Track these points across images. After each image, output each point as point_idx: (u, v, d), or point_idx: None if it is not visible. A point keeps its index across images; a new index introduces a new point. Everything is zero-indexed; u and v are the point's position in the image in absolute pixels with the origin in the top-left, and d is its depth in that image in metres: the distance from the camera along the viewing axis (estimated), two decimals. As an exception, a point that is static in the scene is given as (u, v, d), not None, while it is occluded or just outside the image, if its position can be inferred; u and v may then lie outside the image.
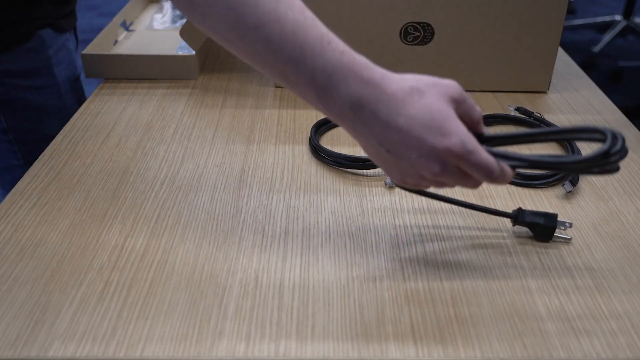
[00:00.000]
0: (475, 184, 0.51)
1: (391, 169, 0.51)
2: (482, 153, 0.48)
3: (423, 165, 0.48)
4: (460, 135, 0.47)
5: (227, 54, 1.03)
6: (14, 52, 0.85)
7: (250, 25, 0.48)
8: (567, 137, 0.51)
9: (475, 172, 0.48)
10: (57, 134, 0.78)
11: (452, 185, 0.51)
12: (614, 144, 0.48)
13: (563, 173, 0.67)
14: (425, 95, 0.48)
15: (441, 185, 0.51)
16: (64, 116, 0.91)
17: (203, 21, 0.51)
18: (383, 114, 0.47)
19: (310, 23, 0.48)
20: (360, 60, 0.48)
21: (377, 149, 0.50)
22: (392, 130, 0.47)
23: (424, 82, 0.49)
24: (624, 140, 0.49)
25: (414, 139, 0.47)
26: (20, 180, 0.68)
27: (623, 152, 0.48)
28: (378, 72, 0.48)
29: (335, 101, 0.48)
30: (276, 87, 0.91)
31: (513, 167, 0.50)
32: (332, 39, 0.49)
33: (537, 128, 0.53)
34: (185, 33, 0.91)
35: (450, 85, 0.49)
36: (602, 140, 0.49)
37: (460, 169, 0.49)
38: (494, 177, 0.49)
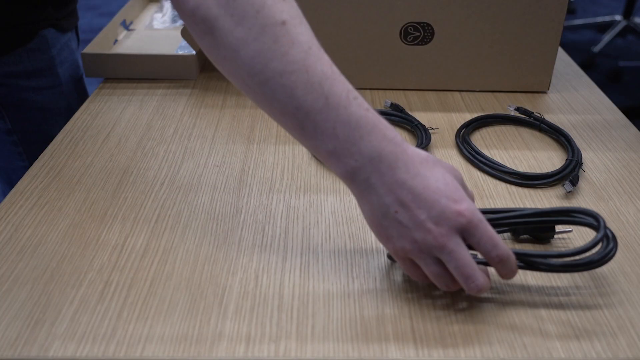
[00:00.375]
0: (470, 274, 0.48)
1: (392, 233, 0.49)
2: (489, 226, 0.49)
3: (429, 228, 0.47)
4: (470, 203, 0.49)
5: (227, 53, 1.03)
6: (17, 53, 0.85)
7: (275, 72, 0.48)
8: (561, 218, 0.54)
9: (482, 244, 0.48)
10: None
11: (446, 276, 0.49)
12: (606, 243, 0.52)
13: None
14: (438, 165, 0.50)
15: (435, 274, 0.49)
16: (68, 116, 0.91)
17: (224, 63, 0.51)
18: (401, 172, 0.48)
19: (337, 77, 0.50)
20: (383, 120, 0.50)
21: (384, 210, 0.49)
22: (407, 189, 0.48)
23: (434, 156, 0.51)
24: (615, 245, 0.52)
25: (426, 200, 0.48)
26: (20, 180, 0.68)
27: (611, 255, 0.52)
28: (399, 135, 0.50)
29: (353, 155, 0.49)
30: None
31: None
32: (358, 96, 0.50)
33: (531, 209, 0.55)
34: (186, 33, 0.91)
35: (453, 167, 0.52)
36: (595, 228, 0.52)
37: (462, 248, 0.48)
38: (499, 252, 0.48)
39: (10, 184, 0.95)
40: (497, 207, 0.61)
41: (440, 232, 0.47)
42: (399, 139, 0.49)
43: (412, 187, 0.48)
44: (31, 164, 0.91)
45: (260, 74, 0.49)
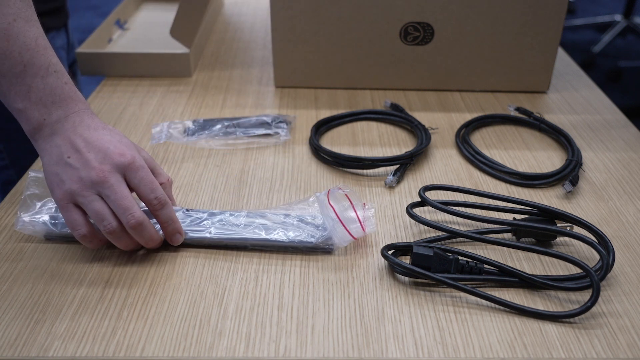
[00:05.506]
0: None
1: (63, 177, 0.53)
2: (151, 174, 0.55)
3: (94, 166, 0.53)
4: (136, 154, 0.55)
5: (227, 53, 1.03)
6: None
7: None
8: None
9: (142, 187, 0.54)
10: None
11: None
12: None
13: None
14: (121, 135, 0.56)
15: (97, 211, 0.53)
16: None
17: None
18: (82, 129, 0.55)
19: (41, 50, 0.55)
20: (80, 95, 0.56)
21: (59, 156, 0.54)
22: (82, 138, 0.54)
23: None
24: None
25: (97, 146, 0.54)
26: (21, 180, 0.68)
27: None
28: (91, 110, 0.57)
29: (42, 115, 0.54)
30: (276, 87, 0.91)
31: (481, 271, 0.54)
32: (60, 70, 0.55)
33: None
34: (175, 32, 0.91)
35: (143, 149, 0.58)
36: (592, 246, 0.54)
37: (122, 184, 0.53)
38: (158, 195, 0.54)
39: None
40: (499, 204, 0.61)
41: (102, 169, 0.53)
42: (90, 112, 0.56)
43: (87, 138, 0.54)
44: (12, 162, 0.90)
45: None
